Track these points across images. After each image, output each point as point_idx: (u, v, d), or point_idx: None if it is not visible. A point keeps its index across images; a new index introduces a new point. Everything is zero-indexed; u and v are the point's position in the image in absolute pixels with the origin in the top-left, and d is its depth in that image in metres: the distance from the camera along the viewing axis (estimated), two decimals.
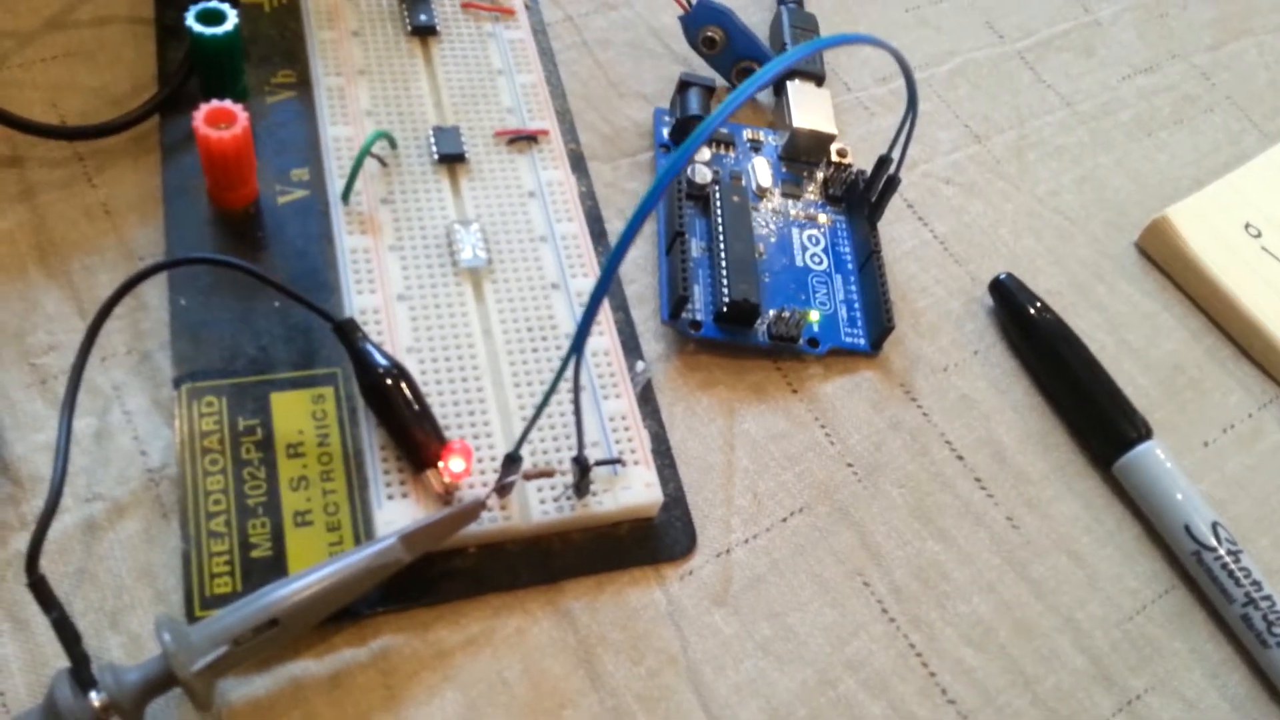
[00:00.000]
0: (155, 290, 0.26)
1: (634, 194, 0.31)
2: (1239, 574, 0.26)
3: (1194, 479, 0.28)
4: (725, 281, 0.28)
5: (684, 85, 0.32)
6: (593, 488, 0.24)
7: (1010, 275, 0.31)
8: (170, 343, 0.25)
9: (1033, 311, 0.30)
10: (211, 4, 0.28)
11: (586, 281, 0.28)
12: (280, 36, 0.31)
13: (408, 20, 0.31)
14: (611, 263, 0.19)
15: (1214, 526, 0.27)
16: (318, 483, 0.24)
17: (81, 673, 0.19)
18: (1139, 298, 0.33)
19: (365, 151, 0.27)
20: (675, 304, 0.28)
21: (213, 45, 0.28)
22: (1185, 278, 0.33)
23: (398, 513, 0.23)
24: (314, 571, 0.21)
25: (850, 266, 0.31)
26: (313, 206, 0.28)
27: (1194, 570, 0.27)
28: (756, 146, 0.33)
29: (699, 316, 0.28)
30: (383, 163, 0.28)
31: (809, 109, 0.33)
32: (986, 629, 0.26)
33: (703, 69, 0.34)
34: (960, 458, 0.28)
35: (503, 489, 0.23)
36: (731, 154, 0.32)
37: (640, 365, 0.27)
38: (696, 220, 0.30)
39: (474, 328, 0.26)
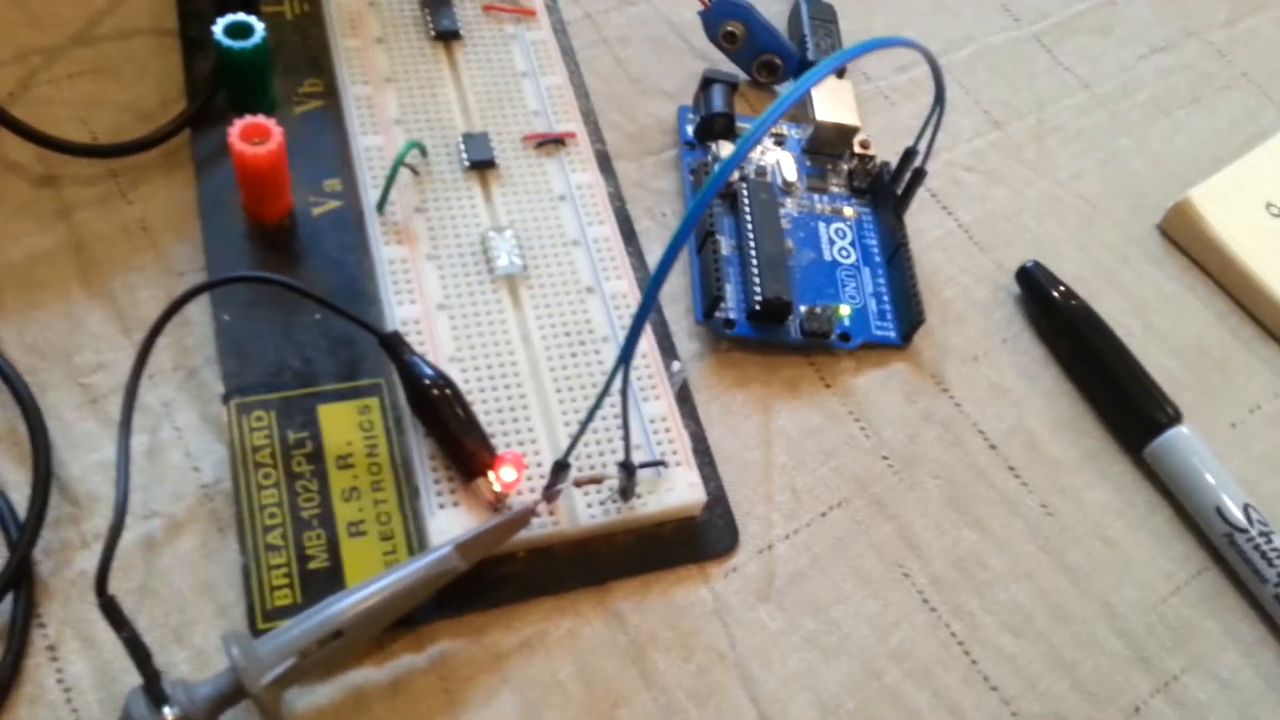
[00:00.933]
0: (198, 307, 0.26)
1: (661, 192, 0.32)
2: (1271, 554, 0.27)
3: (1222, 460, 0.29)
4: (757, 279, 0.29)
5: (707, 82, 0.32)
6: (637, 490, 0.25)
7: (1037, 263, 0.31)
8: (216, 358, 0.25)
9: (1060, 299, 0.31)
10: (239, 17, 0.28)
11: (620, 284, 0.28)
12: (304, 45, 0.31)
13: (431, 25, 0.31)
14: (653, 285, 0.20)
15: (1245, 508, 0.27)
16: (369, 493, 0.24)
17: (155, 689, 0.20)
18: (1163, 281, 0.33)
19: (399, 161, 0.27)
20: (709, 304, 0.28)
21: (241, 59, 0.28)
22: (1208, 259, 0.33)
23: (449, 521, 0.23)
24: (374, 582, 0.22)
25: (878, 259, 0.31)
26: (347, 217, 0.28)
27: (1226, 552, 0.27)
28: (780, 141, 0.33)
29: (732, 315, 0.29)
30: (415, 172, 0.28)
31: (831, 101, 0.33)
32: (1025, 616, 0.26)
33: (722, 63, 0.34)
34: (993, 447, 0.29)
35: (552, 495, 0.24)
36: (757, 150, 0.32)
37: (676, 365, 0.27)
38: (724, 218, 0.30)
39: (513, 335, 0.26)
